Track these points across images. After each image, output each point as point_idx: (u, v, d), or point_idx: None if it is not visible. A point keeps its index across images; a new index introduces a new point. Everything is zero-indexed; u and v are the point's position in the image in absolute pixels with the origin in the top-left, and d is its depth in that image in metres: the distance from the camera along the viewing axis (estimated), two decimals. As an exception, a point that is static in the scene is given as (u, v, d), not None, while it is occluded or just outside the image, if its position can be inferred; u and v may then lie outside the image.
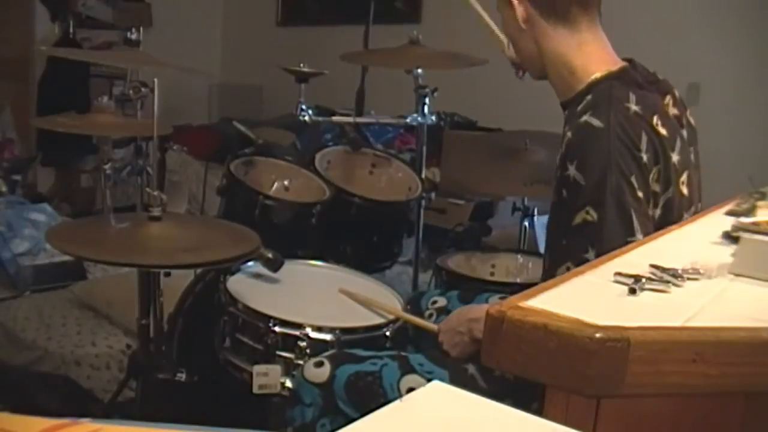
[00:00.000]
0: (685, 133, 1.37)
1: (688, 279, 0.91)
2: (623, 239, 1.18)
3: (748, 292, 0.92)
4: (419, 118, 2.30)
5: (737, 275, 0.96)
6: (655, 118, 1.28)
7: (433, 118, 2.32)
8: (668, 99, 1.36)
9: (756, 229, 1.05)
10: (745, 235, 1.03)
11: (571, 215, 1.21)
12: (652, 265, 0.93)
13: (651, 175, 1.24)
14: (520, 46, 1.41)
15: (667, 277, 0.90)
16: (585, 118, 1.23)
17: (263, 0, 5.75)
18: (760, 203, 1.30)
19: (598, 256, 1.17)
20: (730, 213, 1.28)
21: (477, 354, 1.39)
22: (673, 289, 0.89)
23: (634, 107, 1.26)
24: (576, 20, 1.33)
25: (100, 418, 0.61)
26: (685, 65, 3.61)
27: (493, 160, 2.56)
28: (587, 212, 1.19)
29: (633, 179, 1.20)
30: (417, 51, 2.34)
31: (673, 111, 1.35)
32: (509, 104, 3.25)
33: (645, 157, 1.23)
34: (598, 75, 1.31)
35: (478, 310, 1.50)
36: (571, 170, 1.21)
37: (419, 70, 2.25)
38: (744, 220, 1.17)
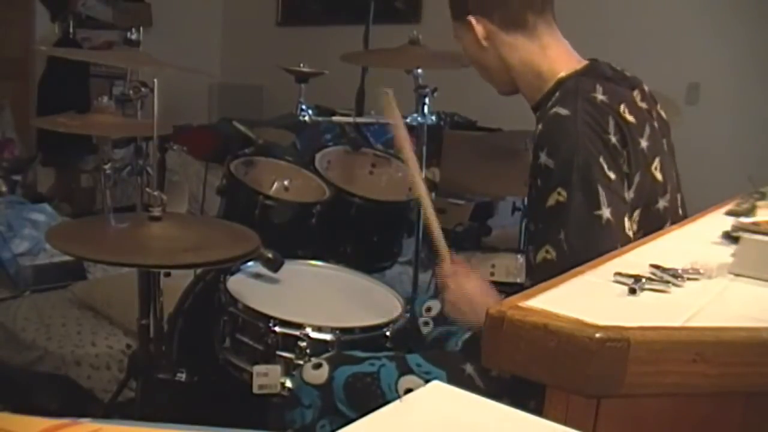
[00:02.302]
0: (656, 124, 1.39)
1: (688, 279, 0.92)
2: (588, 213, 1.19)
3: (748, 292, 0.92)
4: (419, 118, 2.30)
5: (737, 275, 0.96)
6: (621, 107, 1.30)
7: (433, 118, 2.31)
8: (636, 93, 1.38)
9: (756, 229, 1.05)
10: (745, 235, 1.03)
11: (544, 199, 1.23)
12: (652, 265, 0.93)
13: (621, 158, 1.26)
14: (485, 64, 1.44)
15: (667, 277, 0.90)
16: (554, 110, 1.27)
17: (263, 0, 5.75)
18: (760, 203, 1.31)
19: (567, 235, 1.19)
20: (730, 213, 1.28)
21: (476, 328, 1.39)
22: (673, 289, 0.89)
23: (600, 97, 1.29)
24: (534, 26, 1.36)
25: (100, 418, 0.61)
26: (685, 65, 3.62)
27: (493, 160, 2.56)
28: (558, 193, 1.21)
29: (602, 159, 1.22)
30: (417, 51, 2.34)
31: (641, 105, 1.37)
32: (509, 104, 3.23)
33: (614, 139, 1.25)
34: (563, 74, 1.35)
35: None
36: (542, 157, 1.23)
37: (419, 70, 2.25)
38: (744, 220, 1.17)
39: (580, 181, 1.20)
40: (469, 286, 1.45)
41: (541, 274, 1.20)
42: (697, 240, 1.18)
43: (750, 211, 1.26)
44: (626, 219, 1.23)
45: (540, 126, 1.28)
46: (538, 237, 1.25)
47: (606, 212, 1.19)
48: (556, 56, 1.37)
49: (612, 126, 1.26)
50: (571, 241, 1.18)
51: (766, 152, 3.42)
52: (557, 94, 1.32)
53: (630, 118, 1.30)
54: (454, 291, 1.46)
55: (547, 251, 1.21)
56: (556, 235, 1.20)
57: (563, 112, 1.25)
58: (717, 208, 1.35)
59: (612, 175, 1.22)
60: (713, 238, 1.15)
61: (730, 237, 1.11)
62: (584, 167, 1.20)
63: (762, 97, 3.57)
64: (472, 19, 1.38)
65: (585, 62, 1.37)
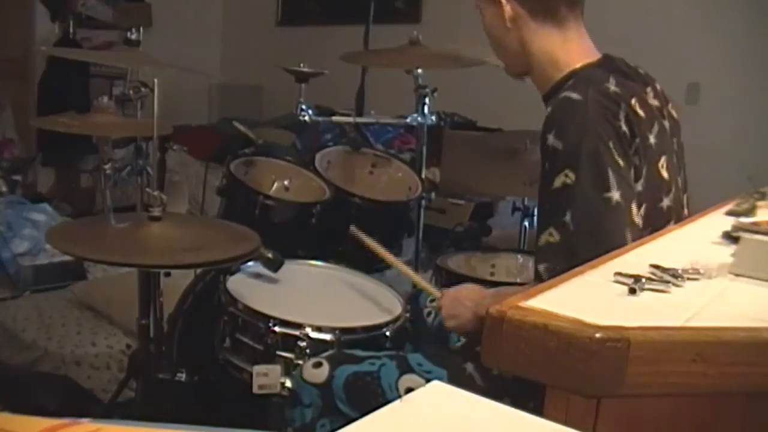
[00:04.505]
0: (666, 123, 1.38)
1: (688, 279, 0.91)
2: (598, 195, 1.18)
3: (748, 292, 0.92)
4: (419, 118, 2.30)
5: (737, 275, 0.96)
6: (633, 100, 1.29)
7: (433, 118, 2.31)
8: (648, 90, 1.38)
9: (756, 229, 1.05)
10: (745, 235, 1.03)
11: (551, 181, 1.22)
12: (652, 265, 0.93)
13: (631, 148, 1.25)
14: (503, 44, 1.42)
15: (667, 277, 0.90)
16: (564, 94, 1.26)
17: (263, 0, 5.75)
18: (760, 203, 1.31)
19: (573, 217, 1.18)
20: (730, 213, 1.28)
21: (473, 332, 1.42)
22: (673, 289, 0.89)
23: (613, 88, 1.28)
24: (564, 18, 1.36)
25: (100, 418, 0.61)
26: (685, 65, 3.61)
27: (493, 160, 2.56)
28: (566, 175, 1.20)
29: (611, 144, 1.21)
30: (417, 51, 2.34)
31: (653, 102, 1.37)
32: (509, 104, 3.25)
33: (624, 127, 1.24)
34: (578, 66, 1.34)
35: (493, 295, 1.47)
36: (550, 139, 1.23)
37: (419, 70, 2.25)
38: (744, 220, 1.17)
39: (589, 163, 1.19)
40: (463, 291, 1.47)
41: (545, 257, 1.21)
42: (697, 240, 1.18)
43: (750, 211, 1.26)
44: (634, 205, 1.22)
45: (549, 109, 1.27)
46: (543, 219, 1.25)
47: (615, 195, 1.19)
48: (575, 49, 1.36)
49: (622, 116, 1.25)
50: (578, 221, 1.18)
51: (766, 152, 3.42)
52: (570, 81, 1.31)
53: (640, 112, 1.29)
54: (448, 298, 1.48)
55: (550, 234, 1.21)
56: (561, 217, 1.19)
57: (574, 96, 1.24)
58: (717, 208, 1.35)
59: (620, 161, 1.21)
60: (713, 238, 1.14)
61: (730, 237, 1.11)
62: (593, 150, 1.19)
63: (762, 97, 3.57)
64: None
65: (600, 56, 1.37)
